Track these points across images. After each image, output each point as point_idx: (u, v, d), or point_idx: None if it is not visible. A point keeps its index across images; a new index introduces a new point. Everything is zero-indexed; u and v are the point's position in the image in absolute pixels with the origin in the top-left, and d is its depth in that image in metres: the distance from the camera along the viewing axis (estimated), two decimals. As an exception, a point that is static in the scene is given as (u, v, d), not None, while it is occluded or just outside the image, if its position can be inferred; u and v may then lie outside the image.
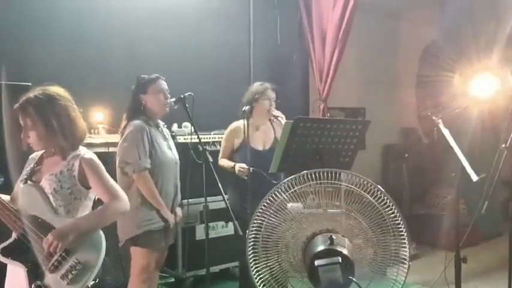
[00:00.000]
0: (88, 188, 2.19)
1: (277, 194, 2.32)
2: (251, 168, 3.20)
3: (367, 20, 5.79)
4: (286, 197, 2.34)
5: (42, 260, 2.06)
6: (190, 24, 4.65)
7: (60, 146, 2.15)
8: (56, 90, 2.18)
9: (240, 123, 3.47)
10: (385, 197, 2.33)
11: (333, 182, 2.29)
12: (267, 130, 3.55)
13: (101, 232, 2.15)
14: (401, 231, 2.32)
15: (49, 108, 2.11)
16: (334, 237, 2.20)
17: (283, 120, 3.37)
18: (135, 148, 2.86)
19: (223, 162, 3.48)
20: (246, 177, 3.23)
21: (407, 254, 2.30)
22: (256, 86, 3.55)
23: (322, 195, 2.34)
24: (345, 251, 2.18)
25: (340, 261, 2.12)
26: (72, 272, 2.02)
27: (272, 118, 3.45)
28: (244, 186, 3.19)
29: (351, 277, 2.13)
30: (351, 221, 2.36)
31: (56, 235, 2.01)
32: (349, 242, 2.31)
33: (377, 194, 2.33)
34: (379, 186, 2.36)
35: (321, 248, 2.18)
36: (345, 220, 2.36)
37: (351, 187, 2.32)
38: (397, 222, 2.33)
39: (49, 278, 2.05)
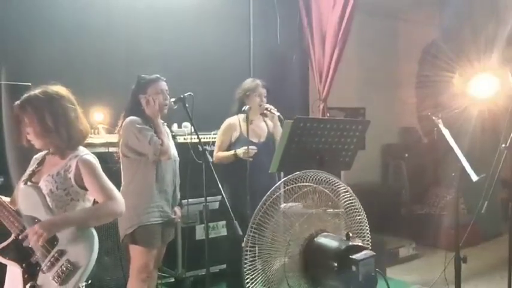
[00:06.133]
0: (85, 189, 2.18)
1: (277, 196, 2.31)
2: (255, 148, 3.32)
3: (367, 20, 5.79)
4: (283, 198, 2.34)
5: (36, 260, 2.06)
6: (190, 24, 4.65)
7: (56, 144, 2.16)
8: (57, 89, 2.19)
9: (234, 119, 3.58)
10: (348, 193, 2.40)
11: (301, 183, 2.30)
12: (260, 124, 3.65)
13: (94, 232, 2.13)
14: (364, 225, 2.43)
15: (46, 107, 2.12)
16: (350, 234, 2.23)
17: (276, 112, 3.48)
18: (141, 137, 2.86)
19: (221, 154, 3.54)
20: (251, 159, 3.29)
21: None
22: (248, 82, 3.62)
23: (321, 195, 2.35)
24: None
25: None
26: (64, 273, 2.01)
27: (265, 111, 3.54)
28: (240, 182, 3.25)
29: (377, 270, 2.16)
30: (338, 220, 2.38)
31: (41, 225, 2.01)
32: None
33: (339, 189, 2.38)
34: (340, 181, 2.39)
35: (336, 244, 2.21)
36: (332, 219, 2.38)
37: (315, 186, 2.33)
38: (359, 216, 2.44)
39: (43, 278, 2.05)
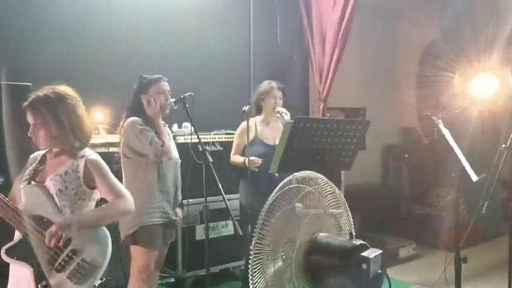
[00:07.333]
0: (92, 188, 2.20)
1: (284, 195, 2.31)
2: (260, 160, 3.43)
3: (367, 20, 5.80)
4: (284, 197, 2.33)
5: (48, 259, 2.06)
6: (191, 24, 4.65)
7: (71, 144, 2.18)
8: (65, 89, 2.19)
9: (251, 120, 3.64)
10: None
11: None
12: (276, 126, 3.72)
13: (107, 231, 2.15)
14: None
15: (59, 106, 2.12)
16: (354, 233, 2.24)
17: (287, 116, 3.53)
18: (142, 137, 2.86)
19: (235, 158, 3.67)
20: (256, 169, 3.43)
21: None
22: (264, 85, 3.73)
23: (321, 195, 2.35)
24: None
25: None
26: (80, 272, 2.03)
27: (277, 115, 3.60)
28: (254, 182, 3.35)
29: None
30: (333, 220, 2.39)
31: (58, 226, 2.01)
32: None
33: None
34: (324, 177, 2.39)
35: (343, 244, 2.21)
36: (330, 219, 2.38)
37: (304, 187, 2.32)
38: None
39: (56, 277, 2.04)
